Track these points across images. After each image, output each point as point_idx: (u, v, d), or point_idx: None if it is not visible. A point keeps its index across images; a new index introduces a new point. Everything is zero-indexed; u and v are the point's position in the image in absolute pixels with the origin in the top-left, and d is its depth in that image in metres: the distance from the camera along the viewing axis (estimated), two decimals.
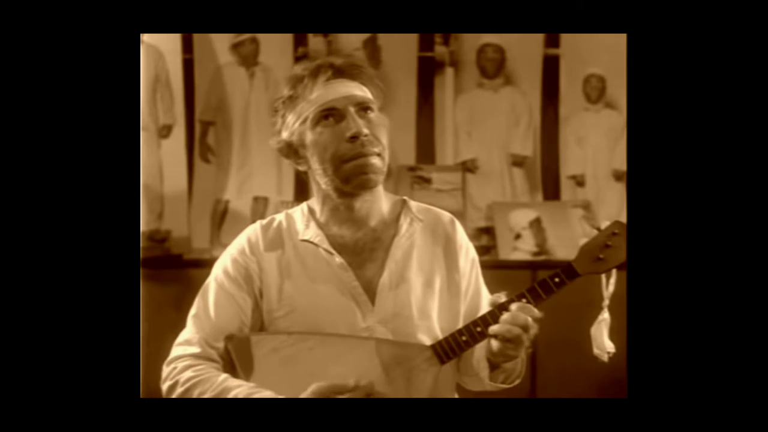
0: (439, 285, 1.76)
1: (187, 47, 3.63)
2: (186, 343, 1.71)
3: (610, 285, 1.65)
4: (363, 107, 1.69)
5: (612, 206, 3.67)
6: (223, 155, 3.68)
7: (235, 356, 1.68)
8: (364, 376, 1.60)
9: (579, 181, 3.72)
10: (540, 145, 3.74)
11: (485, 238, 3.64)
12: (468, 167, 3.72)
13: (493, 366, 1.68)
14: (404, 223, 1.77)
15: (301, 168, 1.76)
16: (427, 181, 3.67)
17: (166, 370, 1.70)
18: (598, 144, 3.73)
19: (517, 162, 3.73)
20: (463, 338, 1.64)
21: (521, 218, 3.61)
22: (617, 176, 3.69)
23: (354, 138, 1.65)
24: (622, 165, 3.67)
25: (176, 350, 1.72)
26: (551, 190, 3.73)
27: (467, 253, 1.82)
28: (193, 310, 1.75)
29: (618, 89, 3.67)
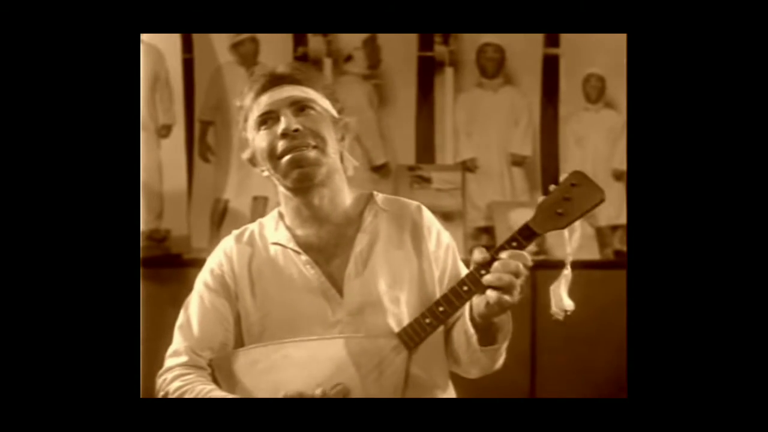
0: (409, 273, 1.77)
1: (187, 47, 3.63)
2: (174, 354, 1.76)
3: (573, 240, 1.61)
4: (300, 106, 1.74)
5: (611, 206, 3.67)
6: (222, 155, 3.68)
7: (218, 375, 1.72)
8: (336, 377, 1.62)
9: None
10: (540, 144, 3.74)
11: (485, 238, 3.64)
12: (468, 167, 3.72)
13: (481, 331, 1.66)
14: (368, 216, 1.80)
15: (264, 175, 1.80)
16: (427, 180, 3.67)
17: (158, 382, 1.75)
18: (597, 144, 3.73)
19: (517, 161, 3.73)
20: (427, 321, 1.63)
21: (521, 218, 3.60)
22: (617, 176, 3.70)
23: (284, 134, 1.71)
24: (621, 165, 3.67)
25: (168, 362, 1.77)
26: None
27: (438, 239, 1.82)
28: (178, 322, 1.80)
29: (618, 89, 3.67)
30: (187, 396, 1.66)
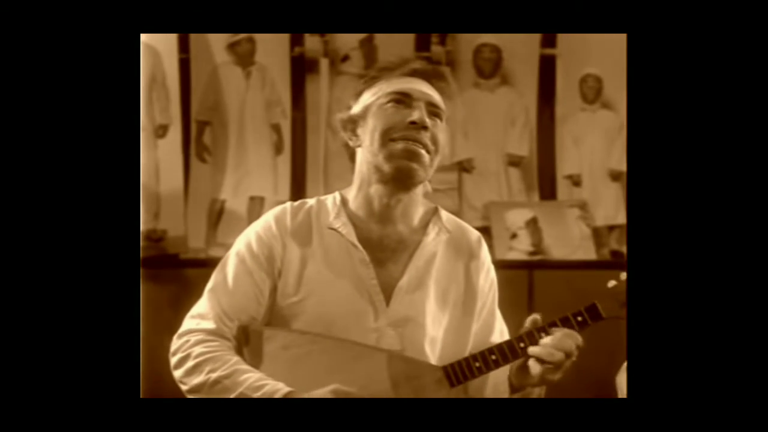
0: (453, 299, 1.76)
1: (184, 47, 3.61)
2: (200, 317, 1.70)
3: None
4: (434, 111, 1.72)
5: (608, 206, 3.68)
6: (219, 155, 3.67)
7: (245, 348, 1.67)
8: (368, 389, 1.59)
9: (575, 181, 3.73)
10: (536, 145, 3.74)
11: None
12: (464, 167, 3.72)
13: (514, 389, 1.68)
14: (432, 231, 1.77)
15: (352, 143, 1.76)
16: None
17: (177, 342, 1.68)
18: (594, 144, 3.73)
19: (514, 162, 3.73)
20: (477, 364, 1.63)
21: (517, 218, 3.61)
22: (613, 176, 3.70)
23: (414, 123, 1.68)
24: (618, 165, 3.67)
25: (189, 323, 1.70)
26: (547, 189, 3.73)
27: (488, 274, 1.82)
28: (210, 284, 1.73)
29: (615, 90, 3.68)
30: (210, 364, 1.61)
